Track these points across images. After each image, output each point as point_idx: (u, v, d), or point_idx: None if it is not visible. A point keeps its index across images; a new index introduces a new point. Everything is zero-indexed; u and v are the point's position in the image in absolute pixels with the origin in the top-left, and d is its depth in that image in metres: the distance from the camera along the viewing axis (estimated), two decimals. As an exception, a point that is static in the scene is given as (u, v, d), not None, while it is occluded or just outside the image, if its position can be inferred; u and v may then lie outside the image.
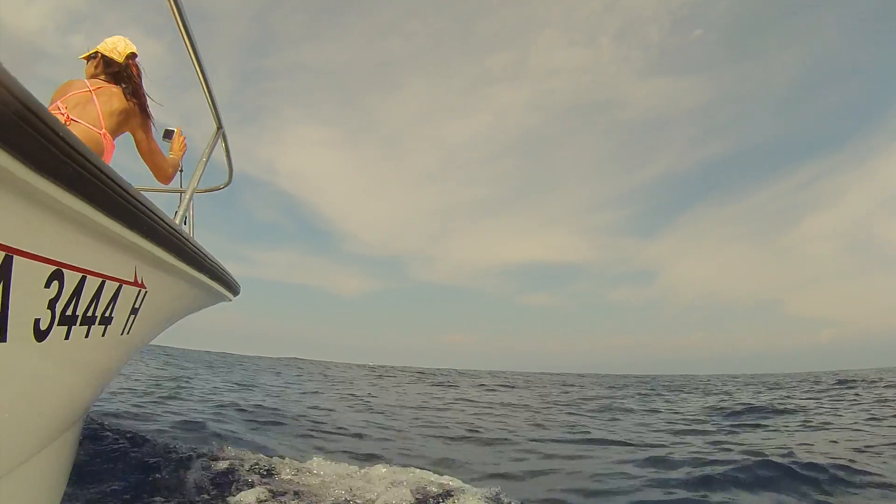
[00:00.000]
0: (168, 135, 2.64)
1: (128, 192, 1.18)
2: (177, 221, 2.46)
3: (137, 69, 2.40)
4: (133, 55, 2.38)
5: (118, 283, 1.39)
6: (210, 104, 2.51)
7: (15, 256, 0.93)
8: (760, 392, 14.42)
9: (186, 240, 1.70)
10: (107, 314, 1.39)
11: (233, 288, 2.88)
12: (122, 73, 2.31)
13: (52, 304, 1.09)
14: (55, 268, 1.06)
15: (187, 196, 2.57)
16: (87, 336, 1.32)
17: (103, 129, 2.16)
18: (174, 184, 2.75)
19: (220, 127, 2.72)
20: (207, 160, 2.66)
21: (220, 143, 2.89)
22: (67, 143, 0.91)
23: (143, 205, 1.28)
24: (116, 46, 2.34)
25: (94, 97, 2.20)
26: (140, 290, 1.58)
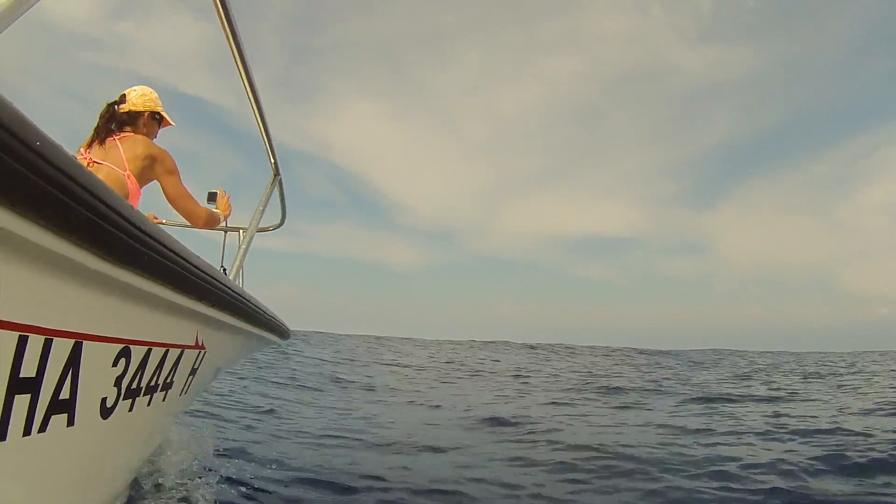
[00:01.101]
0: (212, 197, 2.63)
1: (190, 263, 1.18)
2: (233, 270, 2.48)
3: (162, 122, 2.41)
4: (157, 114, 2.37)
5: (180, 349, 1.39)
6: (269, 152, 2.57)
7: (84, 342, 0.93)
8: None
9: (245, 299, 1.70)
10: (168, 380, 1.39)
11: (284, 334, 2.90)
12: (145, 122, 2.31)
13: (118, 382, 1.09)
14: (122, 346, 1.06)
15: (245, 243, 2.60)
16: (149, 405, 1.31)
17: (127, 171, 2.09)
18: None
19: (277, 174, 2.78)
20: (264, 209, 2.72)
21: (277, 189, 2.96)
22: (145, 231, 0.90)
23: (204, 271, 1.28)
24: (145, 97, 2.32)
25: (118, 143, 2.16)
26: (200, 352, 1.58)
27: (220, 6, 1.53)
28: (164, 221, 2.97)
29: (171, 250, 1.02)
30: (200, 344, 1.55)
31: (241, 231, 3.35)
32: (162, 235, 0.98)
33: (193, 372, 1.63)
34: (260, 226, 3.59)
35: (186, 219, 2.41)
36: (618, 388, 9.37)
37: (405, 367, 14.30)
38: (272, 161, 2.64)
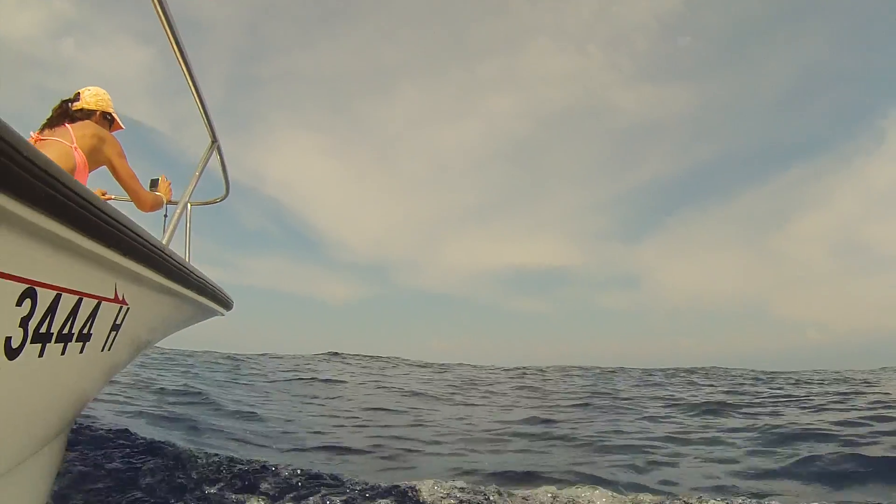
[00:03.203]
0: (154, 184, 2.76)
1: (102, 210, 1.19)
2: (167, 235, 2.49)
3: (113, 124, 2.57)
4: (109, 114, 2.53)
5: (97, 300, 1.40)
6: (203, 116, 2.54)
7: None
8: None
9: (169, 257, 1.71)
10: (84, 331, 1.40)
11: (225, 303, 2.89)
12: (96, 120, 2.44)
13: (23, 323, 1.10)
14: (26, 286, 1.07)
15: (178, 210, 2.59)
16: (63, 353, 1.32)
17: (75, 145, 2.21)
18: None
19: (214, 140, 2.75)
20: (200, 174, 2.69)
21: (216, 157, 2.92)
22: (33, 161, 0.92)
23: (120, 222, 1.29)
24: (98, 96, 2.48)
25: (69, 127, 2.27)
26: (122, 307, 1.59)
27: None
28: (113, 197, 2.95)
29: (73, 191, 1.03)
30: (121, 299, 1.56)
31: (188, 204, 3.35)
32: (62, 175, 0.99)
33: (116, 328, 1.64)
34: (205, 199, 3.57)
35: (134, 201, 2.55)
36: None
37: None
38: (208, 126, 2.61)
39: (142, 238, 1.42)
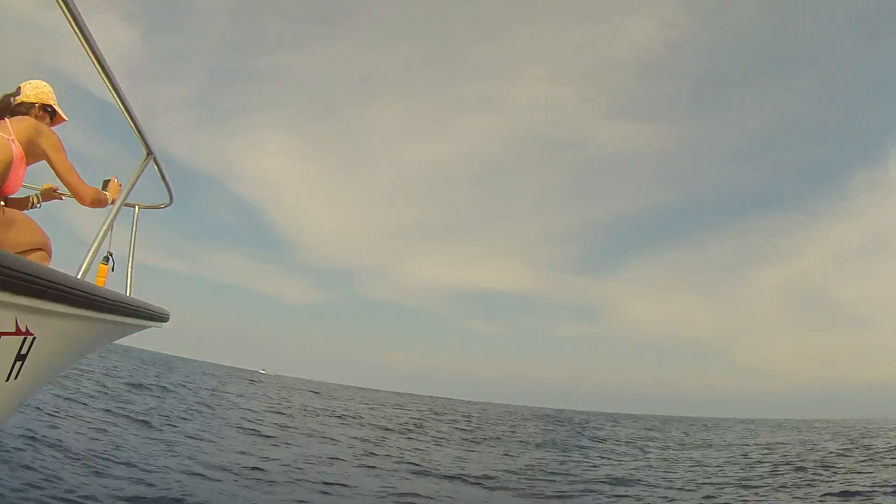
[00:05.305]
0: (105, 185, 2.70)
1: None
2: (99, 236, 2.43)
3: (56, 117, 2.52)
4: (50, 107, 2.48)
5: None
6: (135, 131, 2.51)
7: None
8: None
9: (72, 288, 1.69)
10: None
11: (157, 318, 2.86)
12: (36, 114, 2.39)
13: None
14: None
15: (112, 213, 2.55)
16: None
17: (12, 137, 2.19)
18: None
19: (149, 153, 2.71)
20: (133, 185, 2.65)
21: (153, 167, 2.88)
22: None
23: (9, 267, 1.28)
24: (38, 89, 2.43)
25: (7, 121, 2.25)
26: (26, 338, 1.58)
27: None
28: (63, 197, 2.87)
29: None
30: (24, 330, 1.55)
31: (136, 207, 3.31)
32: None
33: (21, 357, 1.62)
34: (151, 204, 3.51)
35: (74, 195, 2.50)
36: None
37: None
38: (141, 139, 2.57)
39: (37, 277, 1.41)
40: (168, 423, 8.95)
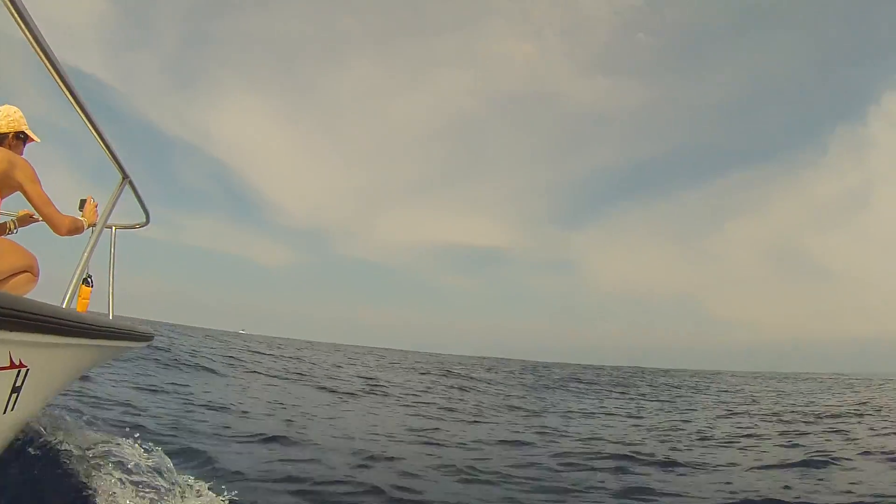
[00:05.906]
0: (82, 205, 2.73)
1: None
2: (82, 260, 2.45)
3: (27, 140, 2.52)
4: (23, 133, 2.48)
5: None
6: (111, 158, 2.53)
7: None
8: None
9: (60, 318, 1.73)
10: None
11: (142, 338, 2.90)
12: (10, 143, 2.41)
13: None
14: None
15: (93, 237, 2.56)
16: None
17: None
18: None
19: (125, 177, 2.73)
20: (110, 211, 2.67)
21: (129, 190, 2.90)
22: None
23: (6, 305, 1.33)
24: (10, 117, 2.42)
25: None
26: (20, 370, 1.62)
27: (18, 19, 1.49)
28: (39, 219, 2.88)
29: None
30: (18, 363, 1.59)
31: (113, 228, 3.33)
32: None
33: (17, 390, 1.66)
34: (126, 223, 3.52)
35: (50, 226, 2.51)
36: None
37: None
38: (117, 165, 2.59)
39: (29, 312, 1.46)
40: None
